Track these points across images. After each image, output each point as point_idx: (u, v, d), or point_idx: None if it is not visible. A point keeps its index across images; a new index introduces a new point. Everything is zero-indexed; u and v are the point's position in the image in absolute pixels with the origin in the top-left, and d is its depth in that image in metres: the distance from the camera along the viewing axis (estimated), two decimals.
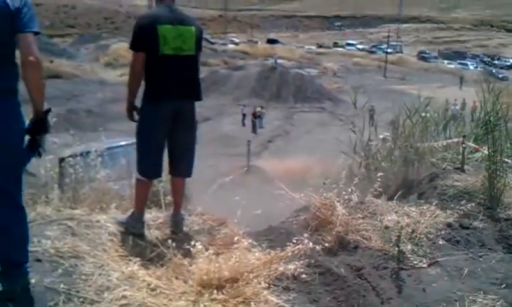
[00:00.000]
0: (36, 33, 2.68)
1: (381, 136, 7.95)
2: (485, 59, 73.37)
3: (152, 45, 3.79)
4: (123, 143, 5.30)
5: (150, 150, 3.97)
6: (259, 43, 78.90)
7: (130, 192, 4.80)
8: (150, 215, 4.25)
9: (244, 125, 32.61)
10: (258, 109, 33.36)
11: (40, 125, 2.81)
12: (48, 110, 2.83)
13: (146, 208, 4.22)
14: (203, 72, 45.77)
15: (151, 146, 3.96)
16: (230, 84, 41.23)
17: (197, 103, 4.11)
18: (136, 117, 4.00)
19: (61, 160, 5.70)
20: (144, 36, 3.80)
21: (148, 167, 3.97)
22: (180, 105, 3.98)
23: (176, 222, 4.16)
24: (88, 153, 5.18)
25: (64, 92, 32.01)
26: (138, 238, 3.82)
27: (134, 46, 3.85)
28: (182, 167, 4.18)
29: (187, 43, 3.91)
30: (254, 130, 31.25)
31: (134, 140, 4.16)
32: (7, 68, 2.66)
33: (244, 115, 33.14)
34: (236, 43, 77.98)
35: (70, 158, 5.16)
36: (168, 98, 3.90)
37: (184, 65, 3.93)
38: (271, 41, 79.49)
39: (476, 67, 65.29)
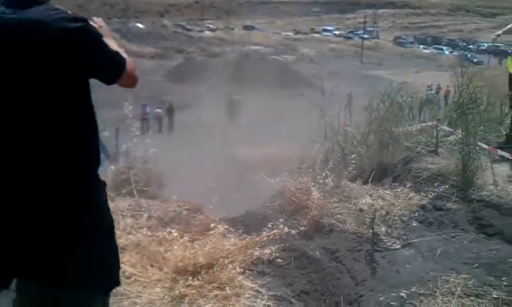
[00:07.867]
0: None
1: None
2: (460, 44, 74.07)
3: None
4: None
5: None
6: (236, 29, 78.30)
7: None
8: (124, 204, 4.21)
9: (221, 112, 32.43)
10: (237, 96, 33.20)
11: None
12: None
13: (120, 196, 4.19)
14: (179, 59, 45.40)
15: None
16: (207, 71, 40.87)
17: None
18: None
19: None
20: None
21: None
22: None
23: None
24: None
25: None
26: None
27: None
28: None
29: None
30: (231, 117, 31.12)
31: None
32: None
33: (222, 103, 32.96)
34: (213, 30, 77.28)
35: None
36: None
37: None
38: (248, 28, 79.01)
39: (451, 52, 65.96)
